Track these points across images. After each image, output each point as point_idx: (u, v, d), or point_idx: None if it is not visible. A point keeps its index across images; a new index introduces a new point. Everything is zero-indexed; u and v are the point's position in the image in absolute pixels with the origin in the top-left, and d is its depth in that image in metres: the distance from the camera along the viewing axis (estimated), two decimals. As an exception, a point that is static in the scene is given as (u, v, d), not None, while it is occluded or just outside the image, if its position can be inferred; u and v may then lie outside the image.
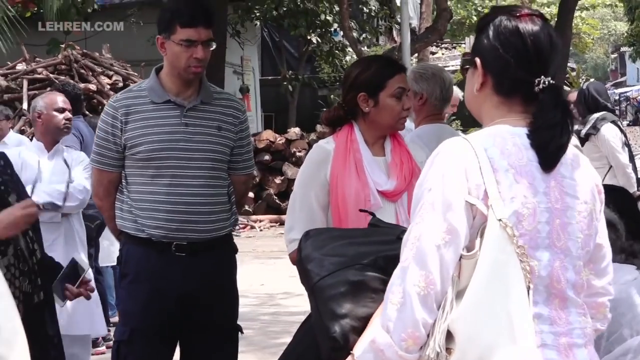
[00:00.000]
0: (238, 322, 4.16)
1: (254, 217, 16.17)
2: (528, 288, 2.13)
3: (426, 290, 2.11)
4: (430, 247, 2.12)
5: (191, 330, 3.99)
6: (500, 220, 2.12)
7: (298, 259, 2.59)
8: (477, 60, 2.30)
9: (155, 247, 3.89)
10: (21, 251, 3.33)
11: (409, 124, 4.82)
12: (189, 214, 3.88)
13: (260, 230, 15.68)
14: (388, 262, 2.41)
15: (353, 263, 2.47)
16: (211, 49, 3.93)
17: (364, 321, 2.34)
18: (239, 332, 4.11)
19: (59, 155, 5.81)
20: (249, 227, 15.65)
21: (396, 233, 2.55)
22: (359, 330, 2.34)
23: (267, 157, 16.46)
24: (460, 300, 2.12)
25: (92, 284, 3.59)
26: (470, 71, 2.34)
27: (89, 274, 3.63)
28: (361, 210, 3.16)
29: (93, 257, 7.15)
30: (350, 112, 3.59)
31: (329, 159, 3.51)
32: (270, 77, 24.81)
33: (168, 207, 3.87)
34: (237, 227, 14.72)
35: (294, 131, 17.01)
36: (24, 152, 5.82)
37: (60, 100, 5.91)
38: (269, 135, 16.95)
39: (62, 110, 5.81)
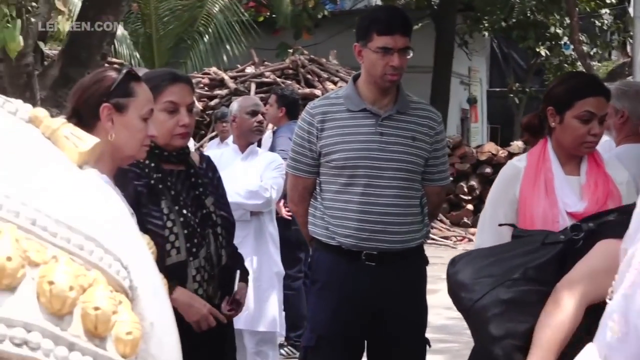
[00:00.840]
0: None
1: (472, 229, 16.00)
2: None
3: None
4: None
5: (378, 341, 3.97)
6: None
7: (449, 286, 2.54)
8: None
9: (345, 255, 3.89)
10: (210, 255, 3.41)
11: (610, 142, 4.60)
12: (380, 224, 3.86)
13: (477, 242, 15.49)
14: (538, 272, 2.34)
15: (503, 280, 2.40)
16: (408, 57, 3.90)
17: (526, 337, 2.27)
18: (427, 345, 4.05)
19: (253, 157, 5.94)
20: (466, 239, 15.50)
21: (539, 239, 2.46)
22: (523, 348, 2.26)
23: (488, 170, 16.21)
24: None
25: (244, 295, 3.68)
26: None
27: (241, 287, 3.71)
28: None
29: (303, 261, 7.24)
30: (543, 123, 3.47)
31: (519, 177, 3.40)
32: (497, 89, 24.53)
33: (359, 215, 3.86)
34: (454, 240, 14.70)
35: (517, 145, 16.67)
36: (226, 154, 5.99)
37: (252, 103, 6.05)
38: (491, 147, 16.73)
39: (253, 114, 5.94)
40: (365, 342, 4.00)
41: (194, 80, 14.62)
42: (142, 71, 3.61)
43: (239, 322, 5.28)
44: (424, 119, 3.99)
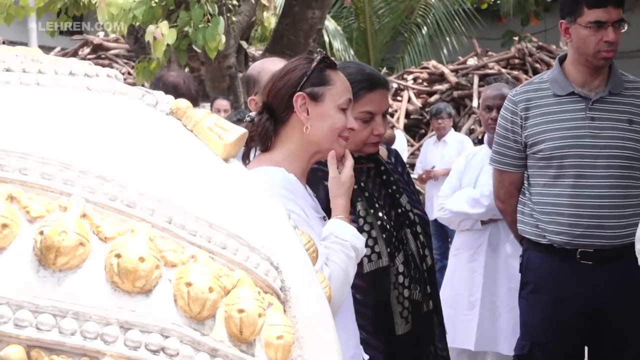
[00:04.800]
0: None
1: None
2: None
3: None
4: None
5: (600, 350, 3.82)
6: None
7: None
8: None
9: (558, 254, 3.76)
10: (412, 257, 3.32)
11: None
12: (595, 218, 3.70)
13: None
14: None
15: None
16: (622, 30, 3.73)
17: None
18: None
19: None
20: None
21: None
22: None
23: None
24: None
25: None
26: None
27: None
28: None
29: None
30: None
31: None
32: None
33: (572, 210, 3.72)
34: None
35: None
36: (477, 156, 5.82)
37: (490, 96, 5.84)
38: None
39: (488, 109, 5.73)
40: (586, 349, 3.87)
41: (411, 76, 14.68)
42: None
43: (469, 342, 5.14)
44: None
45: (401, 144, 10.80)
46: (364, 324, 3.07)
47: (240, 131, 1.43)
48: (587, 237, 3.72)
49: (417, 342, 3.23)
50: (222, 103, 7.32)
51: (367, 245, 3.16)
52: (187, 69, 7.50)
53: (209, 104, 6.94)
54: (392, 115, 13.38)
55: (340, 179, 2.83)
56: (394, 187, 3.37)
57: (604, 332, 3.77)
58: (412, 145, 13.11)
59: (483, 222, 5.43)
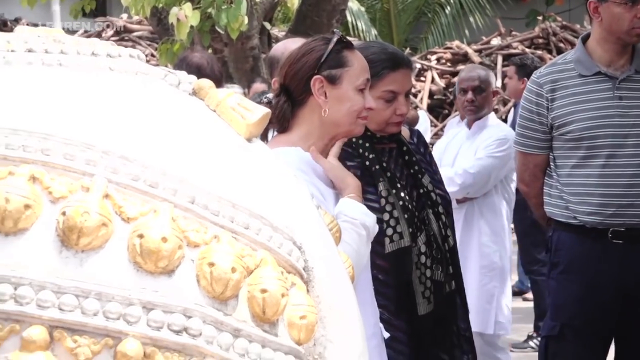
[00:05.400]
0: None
1: None
2: None
3: None
4: None
5: (629, 329, 3.81)
6: None
7: None
8: None
9: (590, 234, 3.75)
10: (434, 237, 3.31)
11: None
12: (626, 197, 3.70)
13: None
14: None
15: None
16: None
17: None
18: None
19: (479, 133, 5.65)
20: None
21: None
22: None
23: None
24: None
25: None
26: None
27: None
28: None
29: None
30: None
31: None
32: None
33: (603, 190, 3.72)
34: None
35: None
36: (457, 137, 5.80)
37: (464, 78, 5.72)
38: None
39: (463, 92, 5.65)
40: (615, 329, 3.85)
41: (435, 56, 14.63)
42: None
43: None
44: None
45: (424, 125, 10.76)
46: (386, 304, 3.07)
47: (263, 111, 1.42)
48: (618, 217, 3.72)
49: (439, 322, 3.23)
50: (260, 87, 7.34)
51: (388, 226, 3.15)
52: (210, 51, 7.50)
53: (236, 87, 6.94)
54: (415, 95, 13.35)
55: (338, 164, 2.82)
56: (416, 168, 3.35)
57: (636, 313, 3.76)
58: (435, 126, 13.09)
59: (459, 201, 5.41)
